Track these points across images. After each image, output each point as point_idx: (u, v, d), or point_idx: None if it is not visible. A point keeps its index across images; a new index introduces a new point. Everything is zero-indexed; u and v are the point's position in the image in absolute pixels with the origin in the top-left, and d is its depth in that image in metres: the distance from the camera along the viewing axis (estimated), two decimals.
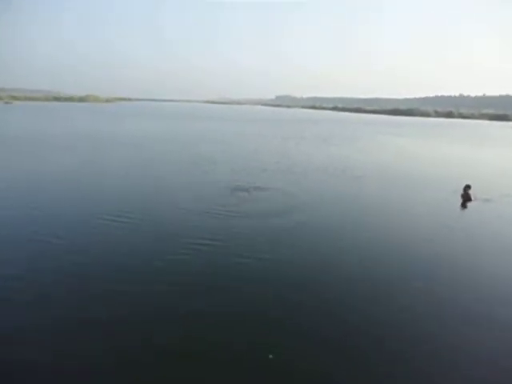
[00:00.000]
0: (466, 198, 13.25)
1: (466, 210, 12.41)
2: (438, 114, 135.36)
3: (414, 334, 5.58)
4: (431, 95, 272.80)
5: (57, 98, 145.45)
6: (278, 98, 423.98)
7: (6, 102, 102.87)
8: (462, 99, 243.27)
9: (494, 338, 5.48)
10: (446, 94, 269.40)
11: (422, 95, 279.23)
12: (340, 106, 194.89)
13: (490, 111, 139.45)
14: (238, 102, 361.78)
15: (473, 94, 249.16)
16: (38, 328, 5.37)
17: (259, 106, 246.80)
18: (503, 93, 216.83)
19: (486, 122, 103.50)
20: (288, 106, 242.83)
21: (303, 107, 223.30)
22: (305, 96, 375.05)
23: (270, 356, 4.95)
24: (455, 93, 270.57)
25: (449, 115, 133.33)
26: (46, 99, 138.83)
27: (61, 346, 5.03)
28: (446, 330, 5.62)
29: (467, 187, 13.43)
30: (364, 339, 5.40)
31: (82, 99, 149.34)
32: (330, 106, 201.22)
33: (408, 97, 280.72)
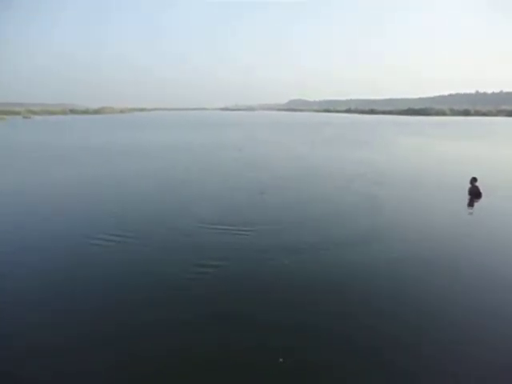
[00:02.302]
0: (475, 191, 12.82)
1: (474, 209, 11.93)
2: (453, 113, 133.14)
3: (434, 336, 5.42)
4: (446, 93, 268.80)
5: (73, 111, 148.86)
6: (290, 102, 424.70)
7: (25, 117, 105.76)
8: (478, 96, 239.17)
9: None
10: (461, 91, 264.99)
11: (437, 94, 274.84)
12: (354, 107, 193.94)
13: (508, 107, 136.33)
14: (252, 108, 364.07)
15: (489, 91, 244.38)
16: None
17: (273, 112, 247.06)
18: None
19: (505, 119, 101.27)
20: (301, 110, 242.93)
21: (317, 111, 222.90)
22: (317, 99, 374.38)
23: (281, 360, 4.87)
24: (471, 90, 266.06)
25: (465, 113, 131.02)
26: (63, 112, 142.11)
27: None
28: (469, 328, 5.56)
29: (474, 180, 13.00)
30: (379, 340, 5.30)
31: (97, 111, 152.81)
32: (344, 108, 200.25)
33: (422, 96, 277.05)
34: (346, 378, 4.69)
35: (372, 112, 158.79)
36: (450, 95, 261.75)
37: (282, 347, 5.11)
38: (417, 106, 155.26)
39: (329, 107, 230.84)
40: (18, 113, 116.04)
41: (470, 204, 12.23)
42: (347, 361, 4.91)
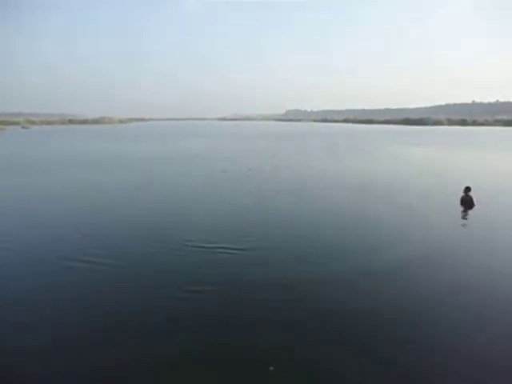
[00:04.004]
0: (468, 201, 12.86)
1: (468, 220, 11.89)
2: (450, 122, 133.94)
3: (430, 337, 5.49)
4: (442, 103, 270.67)
5: (72, 121, 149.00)
6: (288, 112, 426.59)
7: (23, 127, 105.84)
8: (474, 106, 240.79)
9: None
10: (457, 101, 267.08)
11: (433, 104, 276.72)
12: (351, 117, 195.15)
13: (505, 117, 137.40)
14: (249, 118, 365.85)
15: (485, 101, 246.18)
16: None
17: (271, 122, 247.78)
18: None
19: (502, 129, 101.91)
20: (299, 120, 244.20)
21: (314, 121, 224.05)
22: (315, 109, 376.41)
23: (271, 368, 4.82)
24: (467, 100, 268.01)
25: (462, 123, 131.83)
26: (62, 122, 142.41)
27: None
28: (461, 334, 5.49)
29: (467, 189, 13.04)
30: (372, 345, 5.31)
31: (96, 121, 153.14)
32: (341, 118, 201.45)
33: (419, 106, 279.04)
34: None
35: (370, 122, 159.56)
36: (447, 105, 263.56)
37: (273, 354, 5.11)
38: (414, 116, 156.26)
39: (326, 117, 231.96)
40: (17, 123, 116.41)
41: (464, 215, 12.20)
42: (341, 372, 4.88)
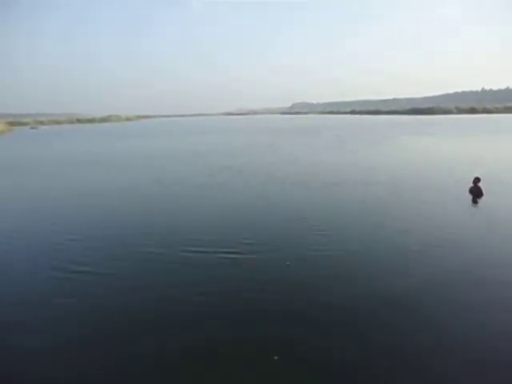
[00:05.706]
0: (477, 191, 12.83)
1: (477, 208, 11.89)
2: (460, 111, 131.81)
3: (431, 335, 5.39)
4: (451, 92, 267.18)
5: (80, 120, 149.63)
6: (294, 105, 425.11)
7: (32, 127, 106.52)
8: (484, 94, 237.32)
9: None
10: (466, 89, 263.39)
11: (442, 92, 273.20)
12: (358, 109, 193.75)
13: None
14: (256, 112, 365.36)
15: (495, 88, 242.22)
16: None
17: (279, 115, 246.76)
18: None
19: None
20: (306, 113, 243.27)
21: (321, 113, 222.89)
22: (321, 102, 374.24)
23: (275, 357, 4.85)
24: (477, 88, 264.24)
25: (472, 111, 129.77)
26: (70, 122, 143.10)
27: None
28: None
29: (477, 180, 12.98)
30: (375, 339, 5.27)
31: (104, 119, 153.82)
32: (348, 109, 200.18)
33: (427, 95, 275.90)
34: None
35: (377, 113, 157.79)
36: (456, 93, 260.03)
37: (278, 343, 5.15)
38: (422, 106, 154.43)
39: (332, 109, 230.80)
40: (26, 123, 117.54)
41: (474, 202, 12.28)
42: (344, 362, 4.87)
